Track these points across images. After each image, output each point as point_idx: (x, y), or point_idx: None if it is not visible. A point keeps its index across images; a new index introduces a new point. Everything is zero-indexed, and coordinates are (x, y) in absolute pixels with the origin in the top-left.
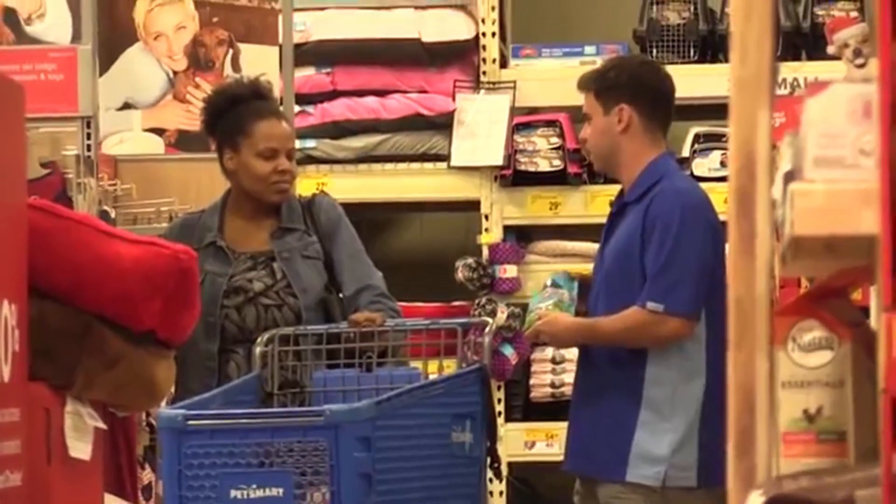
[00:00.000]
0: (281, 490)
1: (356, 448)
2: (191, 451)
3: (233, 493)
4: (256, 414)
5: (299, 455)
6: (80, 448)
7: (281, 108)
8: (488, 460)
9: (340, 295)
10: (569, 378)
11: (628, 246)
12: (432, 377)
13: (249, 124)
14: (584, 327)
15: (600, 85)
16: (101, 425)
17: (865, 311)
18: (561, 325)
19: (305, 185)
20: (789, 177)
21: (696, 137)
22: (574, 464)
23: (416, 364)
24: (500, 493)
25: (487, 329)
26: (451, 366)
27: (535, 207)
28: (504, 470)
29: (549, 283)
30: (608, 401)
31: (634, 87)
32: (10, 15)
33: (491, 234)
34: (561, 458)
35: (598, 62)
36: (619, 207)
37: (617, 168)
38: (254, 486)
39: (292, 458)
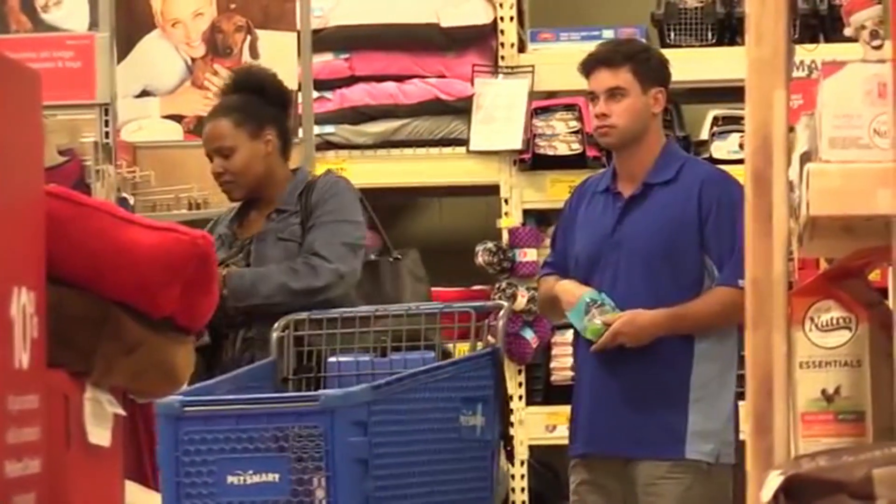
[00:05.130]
0: (277, 476)
1: (352, 433)
2: (187, 438)
3: (229, 478)
4: (252, 399)
5: (296, 441)
6: (100, 434)
7: (225, 107)
8: (501, 444)
9: None
10: None
11: (675, 227)
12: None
13: None
14: (671, 317)
15: (640, 65)
16: (121, 412)
17: (884, 291)
18: (643, 320)
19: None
20: (805, 158)
21: (715, 120)
22: (610, 447)
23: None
24: (522, 476)
25: (502, 312)
26: (465, 350)
27: (554, 191)
28: (525, 453)
29: (588, 300)
30: (657, 381)
31: (667, 74)
32: (27, 2)
33: (510, 219)
34: None
35: None
36: (641, 190)
37: (637, 149)
38: (250, 471)
39: (299, 443)
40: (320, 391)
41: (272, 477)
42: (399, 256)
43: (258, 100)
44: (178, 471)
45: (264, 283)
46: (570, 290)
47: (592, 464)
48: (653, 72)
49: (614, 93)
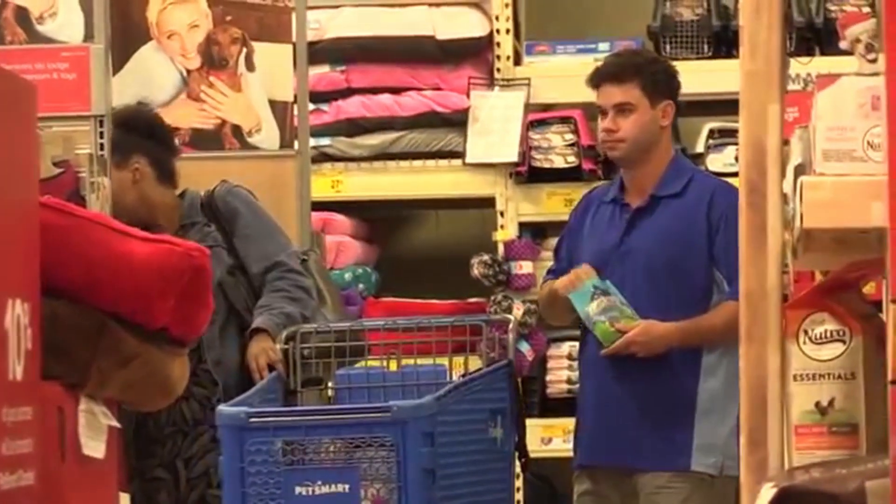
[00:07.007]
0: (347, 486)
1: (422, 443)
2: (254, 448)
3: (297, 489)
4: (320, 410)
5: (366, 451)
6: (94, 446)
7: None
8: (516, 455)
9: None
10: None
11: (682, 241)
12: (454, 373)
13: None
14: (683, 330)
15: (648, 79)
16: (115, 424)
17: (879, 304)
18: (657, 332)
19: (320, 183)
20: (799, 170)
21: (711, 133)
22: (614, 458)
23: (442, 360)
24: (518, 489)
25: (511, 325)
26: (473, 362)
27: (550, 204)
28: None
29: (592, 287)
30: (664, 393)
31: (675, 86)
32: (22, 14)
33: (506, 231)
34: None
35: None
36: (648, 202)
37: (645, 162)
38: (319, 482)
39: (368, 453)
40: (391, 402)
41: (342, 487)
42: (305, 258)
43: (124, 132)
44: (243, 481)
45: (292, 323)
46: (575, 273)
47: (596, 474)
48: (661, 85)
49: (622, 108)
